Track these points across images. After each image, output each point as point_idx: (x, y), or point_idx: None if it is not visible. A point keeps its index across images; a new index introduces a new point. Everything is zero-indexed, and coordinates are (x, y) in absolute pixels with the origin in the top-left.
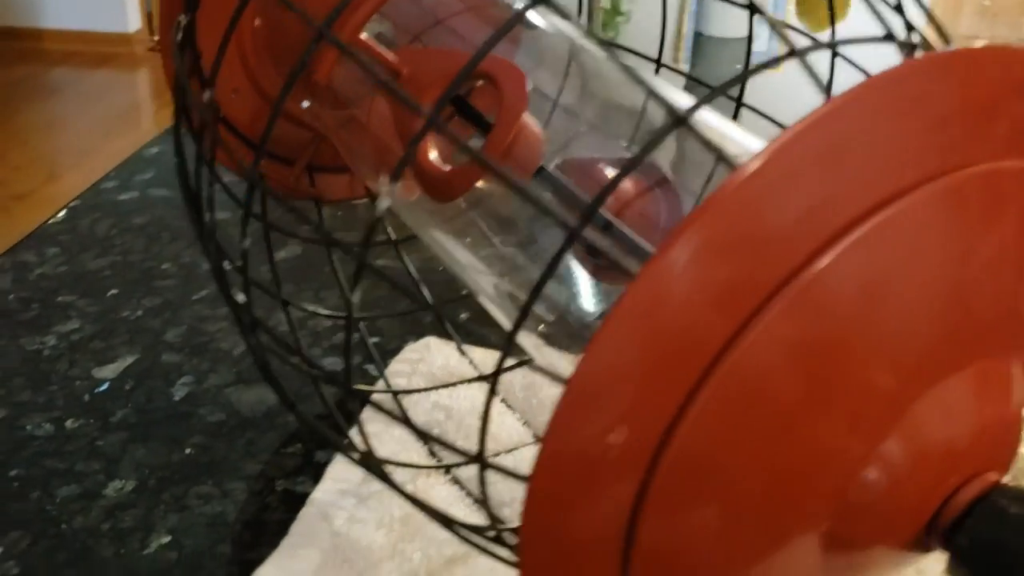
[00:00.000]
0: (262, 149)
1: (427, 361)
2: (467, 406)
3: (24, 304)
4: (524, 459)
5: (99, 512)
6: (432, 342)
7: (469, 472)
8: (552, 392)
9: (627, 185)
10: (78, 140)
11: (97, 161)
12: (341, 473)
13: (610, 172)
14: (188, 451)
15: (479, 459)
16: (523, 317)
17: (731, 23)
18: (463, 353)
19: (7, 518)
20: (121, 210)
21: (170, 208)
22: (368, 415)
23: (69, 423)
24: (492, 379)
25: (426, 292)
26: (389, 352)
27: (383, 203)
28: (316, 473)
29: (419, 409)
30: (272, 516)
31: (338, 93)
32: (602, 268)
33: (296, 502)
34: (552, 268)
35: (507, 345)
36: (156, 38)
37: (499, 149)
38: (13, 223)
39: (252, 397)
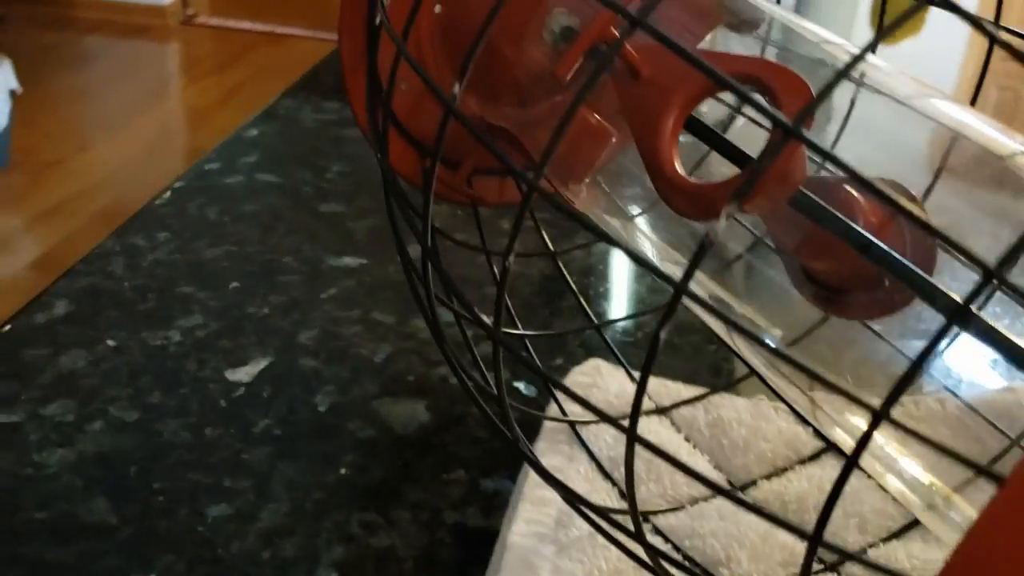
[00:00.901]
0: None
1: (601, 387)
2: (652, 441)
3: (140, 294)
4: (721, 507)
5: (256, 538)
6: (601, 365)
7: (674, 522)
8: (743, 432)
9: (864, 203)
10: (108, 111)
11: (128, 133)
12: (532, 513)
13: (854, 193)
14: (343, 471)
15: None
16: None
17: None
18: (635, 380)
19: (157, 537)
20: (229, 195)
21: (282, 197)
22: (544, 447)
23: (208, 431)
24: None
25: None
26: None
27: (723, 221)
28: (485, 504)
29: (600, 443)
30: (446, 553)
31: (530, 89)
32: (826, 297)
33: (468, 536)
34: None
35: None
36: (189, 12)
37: (778, 175)
38: (44, 191)
39: (402, 412)
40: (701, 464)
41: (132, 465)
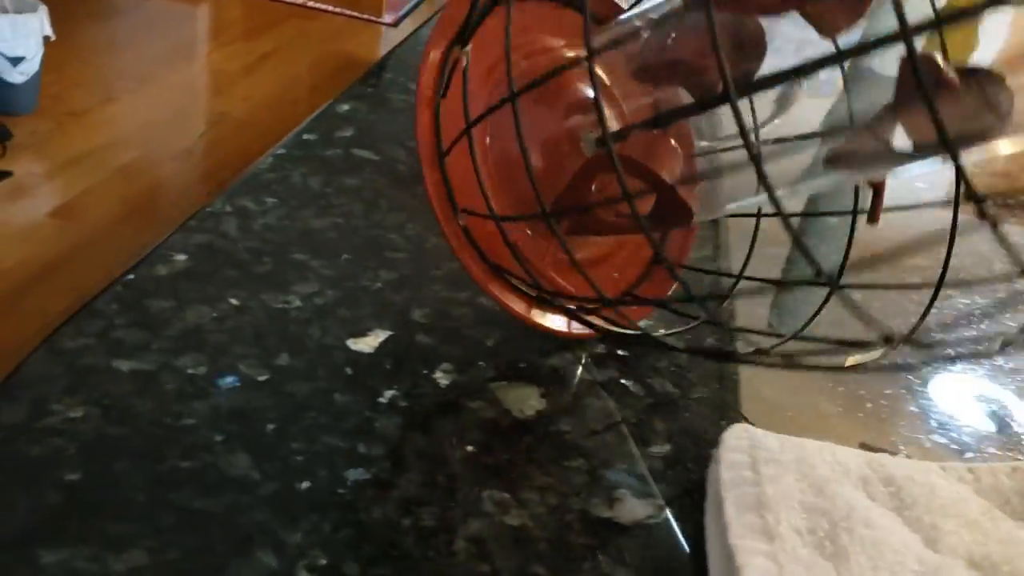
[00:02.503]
0: None
1: (762, 447)
2: (844, 509)
3: (255, 256)
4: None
5: (395, 506)
6: (753, 430)
7: None
8: (916, 489)
9: None
10: (136, 65)
11: (153, 90)
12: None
13: None
14: (469, 448)
15: None
16: None
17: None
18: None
19: (300, 497)
20: (329, 168)
21: (380, 175)
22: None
23: (337, 397)
24: None
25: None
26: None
27: None
28: (607, 496)
29: (786, 513)
30: (577, 540)
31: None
32: None
33: (596, 526)
34: None
35: None
36: None
37: None
38: (67, 139)
39: (518, 396)
40: (898, 528)
41: (268, 423)
